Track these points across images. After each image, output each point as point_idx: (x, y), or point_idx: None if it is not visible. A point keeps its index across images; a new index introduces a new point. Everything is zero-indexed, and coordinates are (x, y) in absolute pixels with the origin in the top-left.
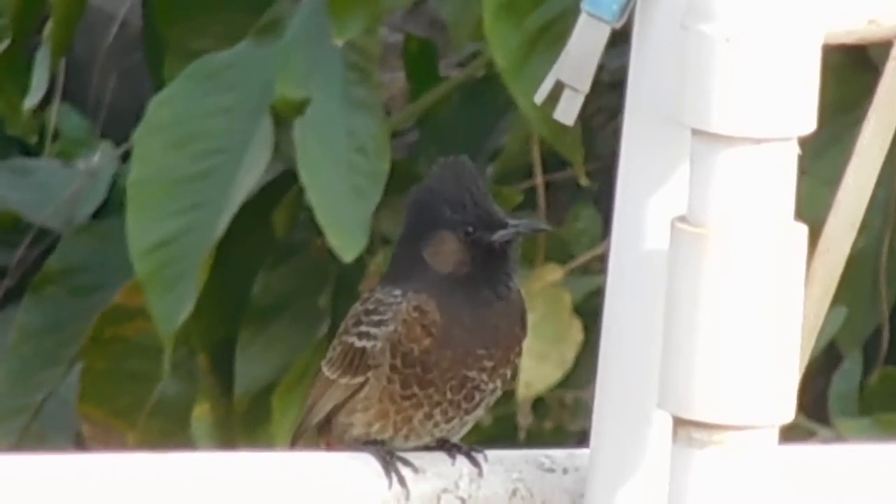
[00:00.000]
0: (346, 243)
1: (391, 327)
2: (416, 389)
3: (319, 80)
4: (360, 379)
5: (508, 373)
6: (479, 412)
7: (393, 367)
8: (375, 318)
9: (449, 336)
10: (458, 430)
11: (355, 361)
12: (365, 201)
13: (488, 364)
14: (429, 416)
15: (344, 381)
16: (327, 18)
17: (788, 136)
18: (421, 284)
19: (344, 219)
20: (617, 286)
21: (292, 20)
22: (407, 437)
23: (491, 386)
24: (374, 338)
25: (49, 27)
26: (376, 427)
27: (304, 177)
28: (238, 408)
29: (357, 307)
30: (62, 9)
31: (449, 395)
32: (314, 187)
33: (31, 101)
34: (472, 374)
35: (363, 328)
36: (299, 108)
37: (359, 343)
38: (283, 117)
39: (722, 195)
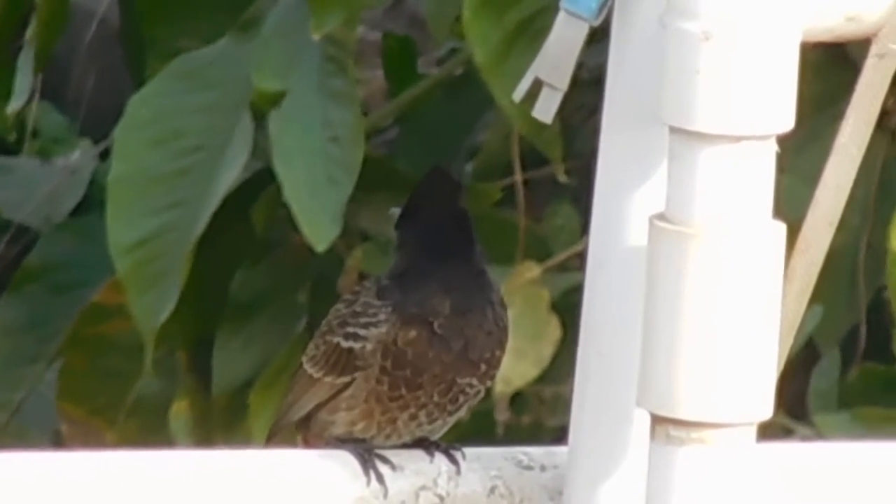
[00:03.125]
0: (318, 233)
1: (383, 329)
2: (403, 391)
3: (296, 72)
4: (345, 379)
5: (496, 373)
6: (461, 413)
7: (383, 369)
8: (364, 319)
9: (449, 343)
10: (438, 430)
11: (341, 361)
12: (338, 191)
13: (483, 368)
14: (413, 417)
15: (328, 379)
16: (305, 11)
17: (767, 134)
18: (420, 290)
19: (317, 208)
20: (595, 283)
21: (271, 14)
22: (388, 437)
23: (477, 388)
24: (364, 339)
25: (32, 29)
26: (360, 426)
27: (279, 167)
28: (217, 405)
29: (341, 308)
30: (47, 11)
31: (436, 397)
32: (288, 177)
33: (16, 104)
34: (465, 380)
35: (350, 329)
36: (276, 99)
37: (345, 343)
38: (261, 111)
39: (700, 193)
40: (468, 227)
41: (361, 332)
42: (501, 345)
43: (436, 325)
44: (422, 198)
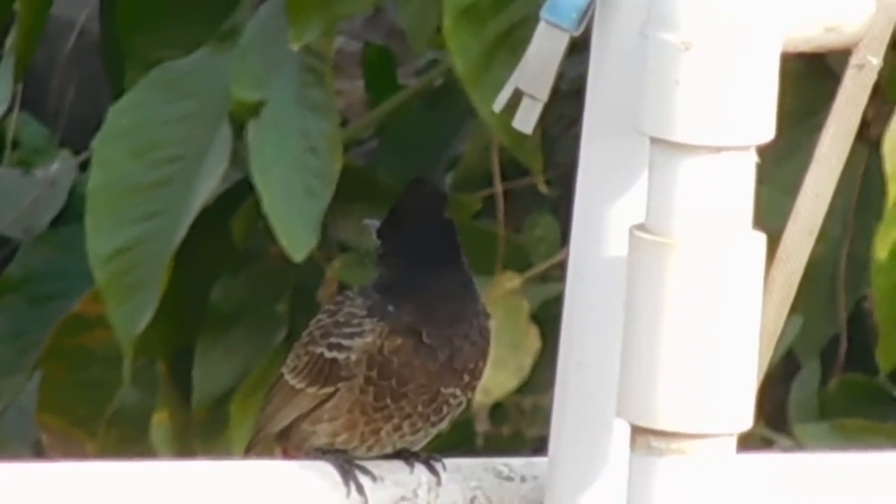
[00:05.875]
0: (296, 243)
1: (369, 339)
2: (388, 401)
3: (275, 82)
4: (328, 389)
5: (478, 384)
6: (444, 424)
7: (367, 379)
8: (348, 329)
9: (436, 353)
10: (420, 442)
11: (325, 372)
12: (316, 201)
13: (467, 378)
14: (397, 428)
15: (311, 390)
16: (283, 21)
17: (747, 144)
18: (405, 299)
19: (295, 219)
20: (576, 294)
21: (249, 24)
22: (370, 448)
23: (460, 399)
24: (348, 349)
25: (12, 39)
26: (342, 437)
27: (257, 177)
28: (197, 415)
29: (324, 319)
30: (27, 21)
31: (420, 408)
32: (266, 187)
33: None
34: (449, 390)
35: (333, 339)
36: (254, 109)
37: (329, 354)
38: (240, 121)
39: (680, 203)
40: (454, 237)
41: (345, 342)
42: (484, 355)
43: (424, 334)
44: (404, 209)
